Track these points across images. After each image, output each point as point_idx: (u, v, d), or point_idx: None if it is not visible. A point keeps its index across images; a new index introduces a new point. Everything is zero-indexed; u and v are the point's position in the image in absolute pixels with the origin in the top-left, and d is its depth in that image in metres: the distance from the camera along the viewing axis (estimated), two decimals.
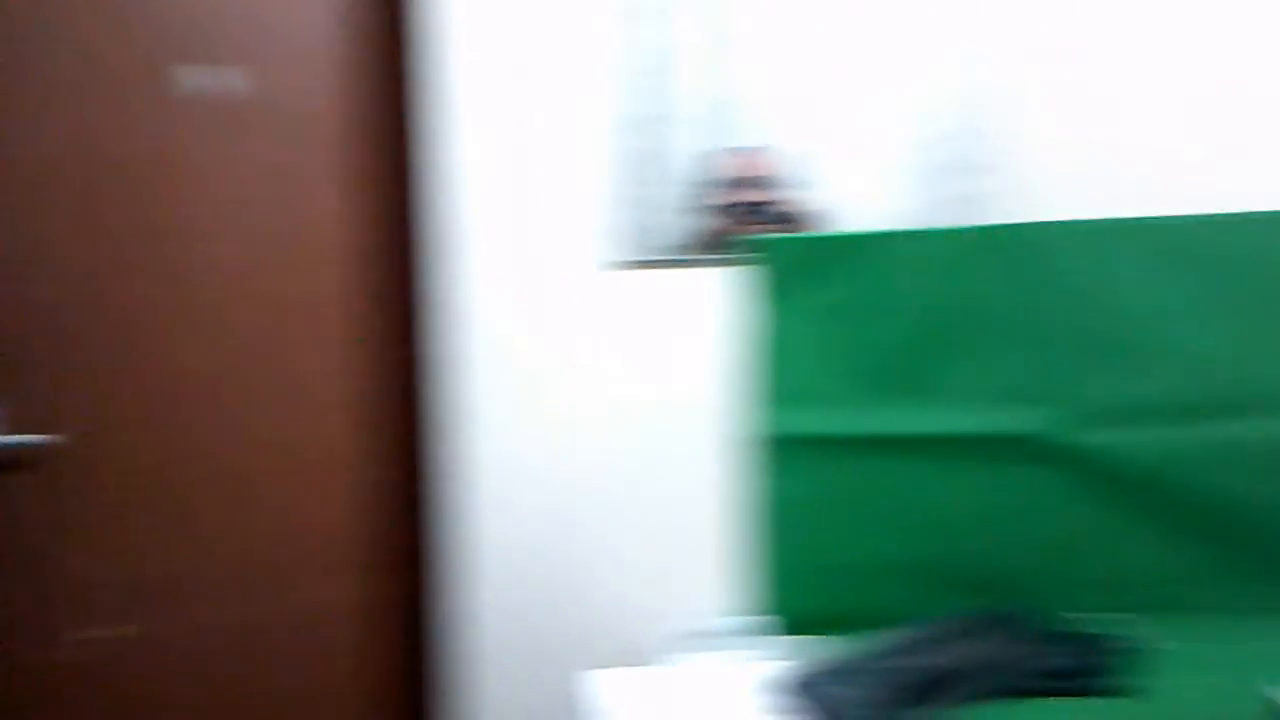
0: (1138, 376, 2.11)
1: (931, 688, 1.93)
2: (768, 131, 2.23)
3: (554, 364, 2.37)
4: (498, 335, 2.36)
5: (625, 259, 2.31)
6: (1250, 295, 2.08)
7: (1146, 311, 2.10)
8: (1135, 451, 2.11)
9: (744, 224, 2.25)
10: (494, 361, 2.36)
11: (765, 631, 2.18)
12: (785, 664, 2.01)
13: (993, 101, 2.18)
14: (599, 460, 2.37)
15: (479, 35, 2.29)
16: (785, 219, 2.25)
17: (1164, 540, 2.12)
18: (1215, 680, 1.88)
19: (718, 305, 2.26)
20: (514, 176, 2.33)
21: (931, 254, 2.14)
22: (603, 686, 1.94)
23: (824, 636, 2.12)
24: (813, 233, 2.27)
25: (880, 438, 2.18)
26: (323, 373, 2.34)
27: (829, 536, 2.20)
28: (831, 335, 2.18)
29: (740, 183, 2.26)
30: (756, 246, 2.18)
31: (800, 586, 2.21)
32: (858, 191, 2.23)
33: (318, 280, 2.34)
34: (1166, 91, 2.19)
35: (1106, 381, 2.12)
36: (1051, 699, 1.88)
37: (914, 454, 2.17)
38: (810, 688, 1.89)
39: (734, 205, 2.26)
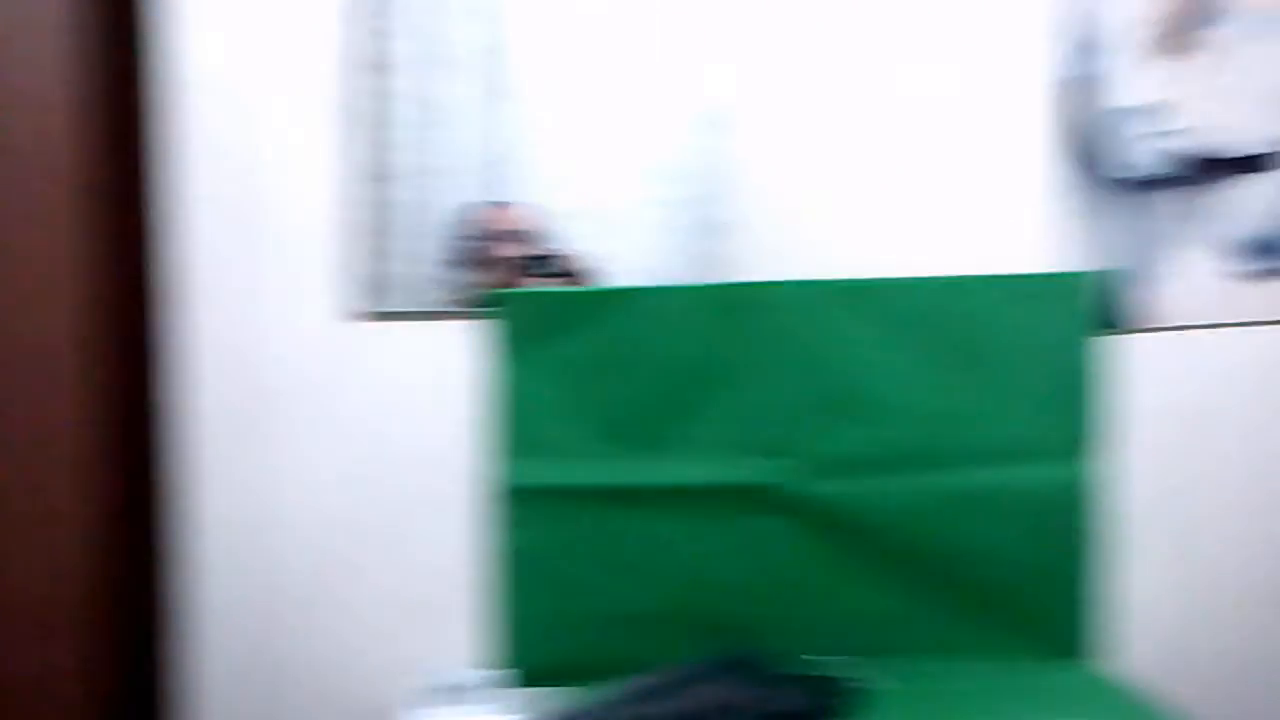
0: (861, 430, 2.23)
1: None
2: (529, 187, 2.26)
3: (290, 417, 2.32)
4: (228, 388, 2.30)
5: (373, 310, 2.28)
6: (959, 353, 2.25)
7: (869, 368, 2.23)
8: (858, 501, 2.24)
9: (517, 277, 2.27)
10: (224, 414, 2.30)
11: (507, 685, 2.19)
12: (524, 717, 2.03)
13: (736, 165, 2.28)
14: (340, 516, 2.33)
15: (218, 77, 2.24)
16: (564, 274, 2.28)
17: (885, 585, 2.25)
18: (932, 717, 2.03)
19: (467, 358, 2.27)
20: (249, 225, 2.28)
21: (669, 311, 2.23)
22: None
23: (565, 688, 2.16)
24: (552, 288, 2.29)
25: (619, 489, 2.24)
26: (40, 424, 2.24)
27: (568, 587, 2.25)
28: (571, 389, 2.24)
29: (499, 236, 2.27)
30: (496, 301, 2.23)
31: (539, 638, 2.25)
32: (619, 249, 2.27)
33: (39, 329, 2.24)
34: (887, 160, 2.34)
35: (833, 435, 2.23)
36: None
37: (652, 505, 2.24)
38: None
39: (507, 259, 2.27)
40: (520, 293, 2.25)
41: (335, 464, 2.32)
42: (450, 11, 2.23)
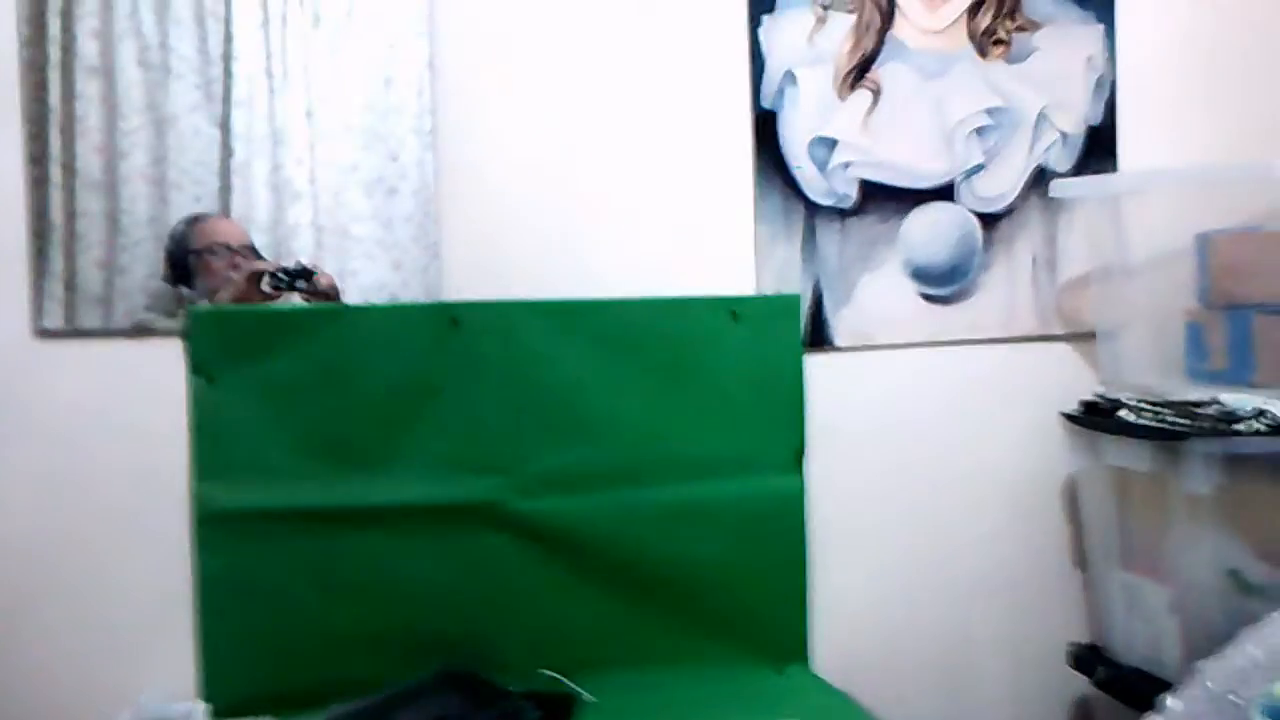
0: (575, 446, 2.29)
1: None
2: (251, 199, 2.26)
3: None
4: None
5: (70, 327, 2.22)
6: (671, 371, 2.33)
7: (582, 386, 2.30)
8: (574, 516, 2.29)
9: (256, 292, 2.24)
10: None
11: (209, 716, 2.15)
12: None
13: (454, 182, 2.35)
14: (36, 536, 2.24)
15: None
16: (311, 290, 2.26)
17: (604, 598, 2.30)
18: None
19: (171, 377, 2.21)
20: None
21: (376, 329, 2.24)
22: None
23: (273, 717, 2.12)
24: (244, 306, 2.26)
25: (328, 510, 2.22)
26: None
27: (274, 613, 2.21)
28: (274, 409, 2.21)
29: (217, 249, 2.25)
30: (194, 319, 2.17)
31: (243, 667, 2.20)
32: (342, 264, 2.31)
33: None
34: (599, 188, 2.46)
35: (547, 451, 2.28)
36: None
37: (364, 525, 2.22)
38: None
39: (245, 273, 2.24)
40: (215, 310, 2.21)
41: (32, 482, 2.24)
42: (177, 17, 2.24)
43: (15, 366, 2.23)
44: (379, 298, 2.30)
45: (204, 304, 2.25)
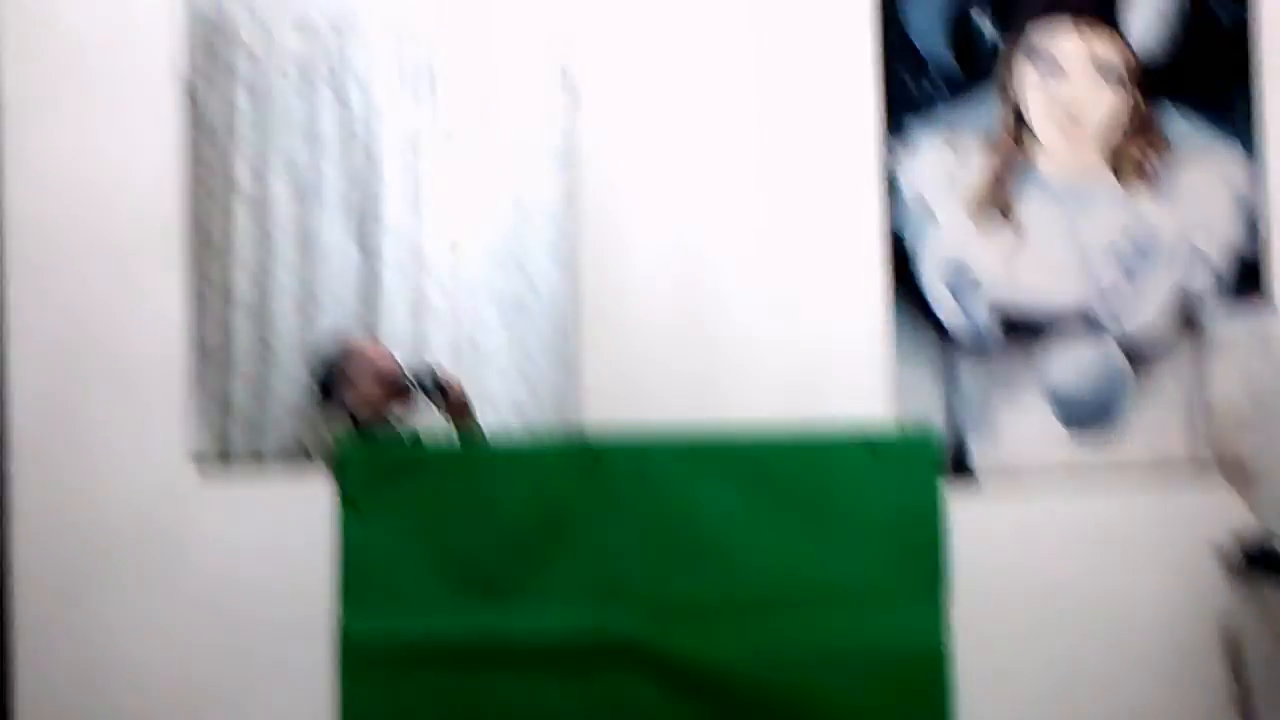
0: (710, 580, 2.24)
1: None
2: (396, 320, 2.35)
3: (128, 568, 2.28)
4: (62, 539, 2.27)
5: (220, 457, 2.29)
6: (808, 506, 2.28)
7: (718, 521, 2.24)
8: (703, 653, 2.22)
9: (391, 397, 2.32)
10: (56, 566, 2.26)
11: None
12: None
13: (587, 306, 2.38)
14: (178, 675, 2.27)
15: (54, 208, 2.29)
16: (439, 390, 2.33)
17: None
18: None
19: (316, 509, 2.20)
20: (86, 367, 2.29)
21: (517, 464, 2.24)
22: None
23: None
24: (391, 437, 2.33)
25: (470, 647, 2.18)
26: None
27: None
28: (416, 540, 2.19)
29: (364, 368, 2.33)
30: (341, 451, 2.19)
31: None
32: (480, 382, 2.37)
33: None
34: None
35: (682, 585, 2.23)
36: None
37: (503, 665, 2.18)
38: None
39: (378, 385, 2.32)
40: (364, 442, 2.26)
41: (175, 619, 2.28)
42: (327, 147, 2.34)
43: (168, 492, 2.30)
44: (511, 414, 2.36)
45: (344, 418, 2.32)
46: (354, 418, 2.34)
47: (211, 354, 2.29)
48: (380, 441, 2.29)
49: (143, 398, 2.30)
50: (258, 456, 2.30)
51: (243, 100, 2.31)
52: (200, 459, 2.29)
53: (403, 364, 2.35)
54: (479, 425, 2.37)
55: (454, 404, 2.33)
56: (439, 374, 2.33)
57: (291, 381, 2.32)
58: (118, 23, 2.31)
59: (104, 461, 2.29)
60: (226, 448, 2.29)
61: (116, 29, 2.31)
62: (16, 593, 2.26)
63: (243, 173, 2.31)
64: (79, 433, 2.29)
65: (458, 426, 2.38)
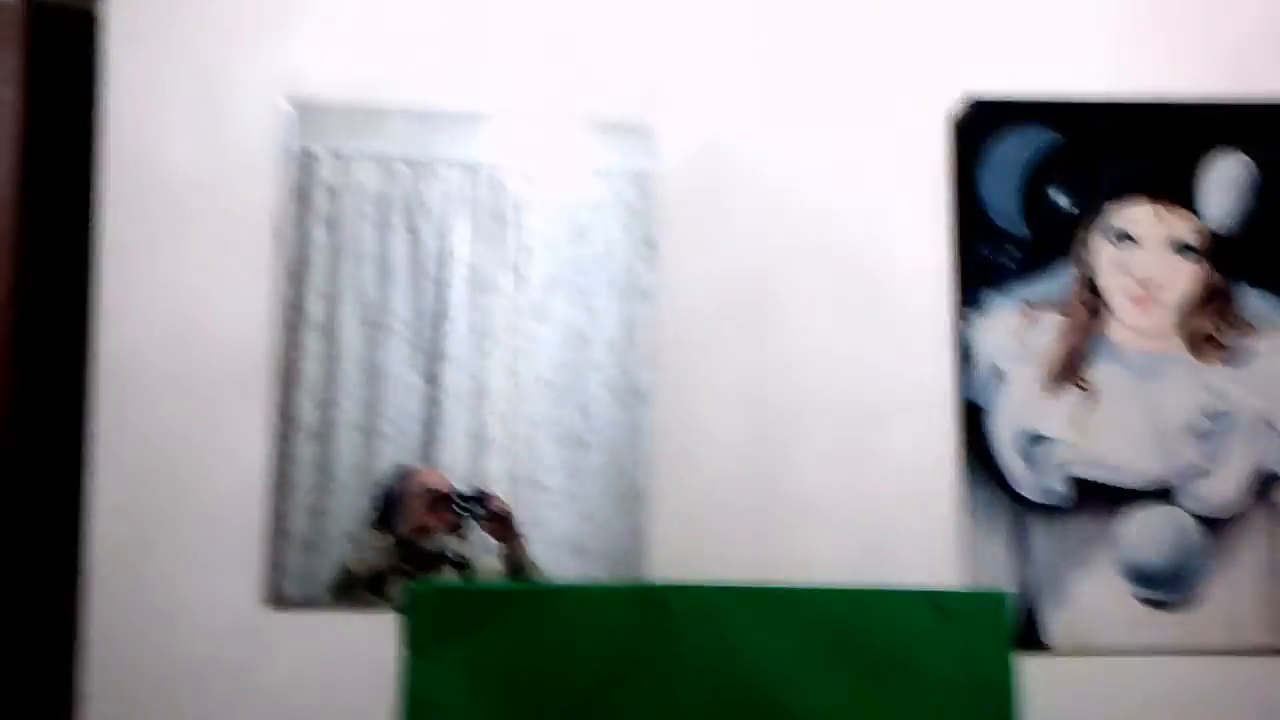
0: None
1: None
2: (457, 450, 2.39)
3: (202, 705, 2.30)
4: (140, 673, 2.30)
5: (291, 598, 2.32)
6: (876, 664, 2.24)
7: (786, 675, 2.21)
8: None
9: (443, 520, 2.37)
10: (133, 701, 2.28)
11: None
12: None
13: (655, 439, 2.41)
14: None
15: (141, 347, 2.35)
16: (491, 517, 2.37)
17: None
18: None
19: (383, 650, 2.18)
20: (167, 504, 2.34)
21: (583, 609, 2.22)
22: None
23: None
24: (460, 582, 2.34)
25: None
26: None
27: None
28: (482, 687, 2.17)
29: (425, 497, 2.37)
30: (409, 595, 2.19)
31: None
32: (538, 515, 2.40)
33: None
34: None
35: None
36: None
37: None
38: None
39: (433, 512, 2.36)
40: (431, 586, 2.27)
41: None
42: (396, 279, 2.41)
43: (238, 627, 2.33)
44: (566, 549, 2.37)
45: (396, 545, 2.36)
46: (406, 544, 2.36)
47: (284, 487, 2.33)
48: (447, 586, 2.30)
49: (219, 533, 2.34)
50: (323, 590, 2.34)
51: (318, 234, 2.39)
52: (271, 593, 2.32)
53: (456, 489, 2.38)
54: (529, 554, 2.38)
55: (504, 530, 2.36)
56: (490, 500, 2.37)
57: (350, 506, 2.35)
58: (215, 167, 2.41)
59: (177, 596, 2.32)
60: (294, 581, 2.33)
61: (214, 173, 2.41)
62: None
63: (315, 305, 2.38)
64: (155, 566, 2.32)
65: (508, 554, 2.39)
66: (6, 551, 2.32)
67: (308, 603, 2.34)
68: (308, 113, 2.42)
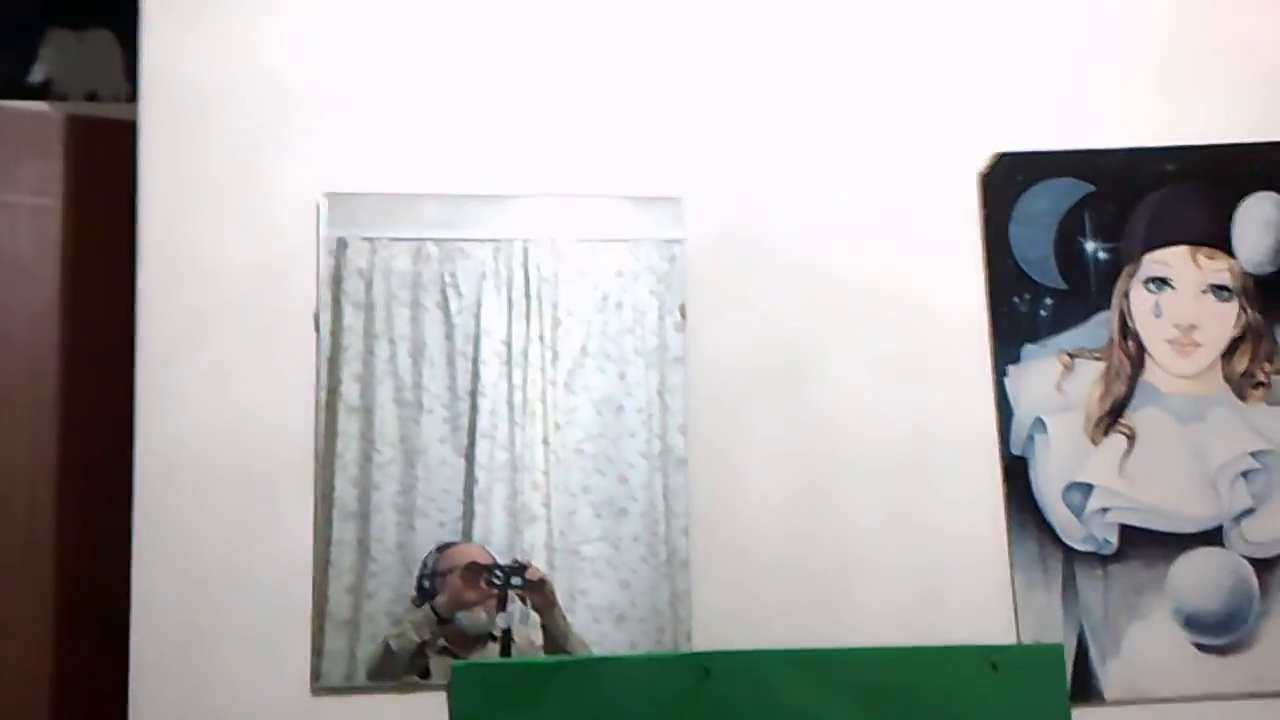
0: None
1: None
2: (494, 524, 2.49)
3: None
4: None
5: (340, 685, 2.41)
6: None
7: None
8: None
9: (480, 591, 2.45)
10: None
11: None
12: None
13: (692, 503, 2.51)
14: None
15: (187, 443, 2.45)
16: (527, 585, 2.46)
17: None
18: None
19: None
20: (214, 594, 2.42)
21: (628, 681, 2.26)
22: None
23: None
24: (505, 659, 2.42)
25: None
26: None
27: None
28: None
29: (464, 572, 2.45)
30: (455, 674, 2.23)
31: None
32: (577, 584, 2.49)
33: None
34: None
35: None
36: None
37: None
38: None
39: (472, 584, 2.45)
40: (477, 665, 2.33)
41: None
42: (431, 359, 2.52)
43: (286, 712, 2.41)
44: (607, 616, 2.45)
45: (435, 620, 2.44)
46: (446, 620, 2.44)
47: (327, 572, 2.42)
48: (493, 664, 2.37)
49: (265, 620, 2.42)
50: (367, 670, 2.42)
51: (351, 318, 2.50)
52: (315, 681, 2.41)
53: (496, 561, 2.46)
54: (569, 624, 2.46)
55: (543, 600, 2.44)
56: (529, 569, 2.45)
57: (390, 586, 2.44)
58: (251, 260, 2.52)
59: (224, 685, 2.40)
60: (336, 663, 2.42)
61: (250, 266, 2.51)
62: None
63: (351, 388, 2.48)
64: (200, 656, 2.40)
65: (546, 624, 2.46)
66: (58, 644, 2.46)
67: (351, 687, 2.41)
68: (340, 203, 2.54)
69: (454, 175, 2.59)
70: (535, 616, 2.47)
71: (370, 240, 2.53)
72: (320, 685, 2.40)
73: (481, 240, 2.56)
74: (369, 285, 2.52)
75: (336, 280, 2.51)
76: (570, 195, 2.60)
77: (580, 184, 2.61)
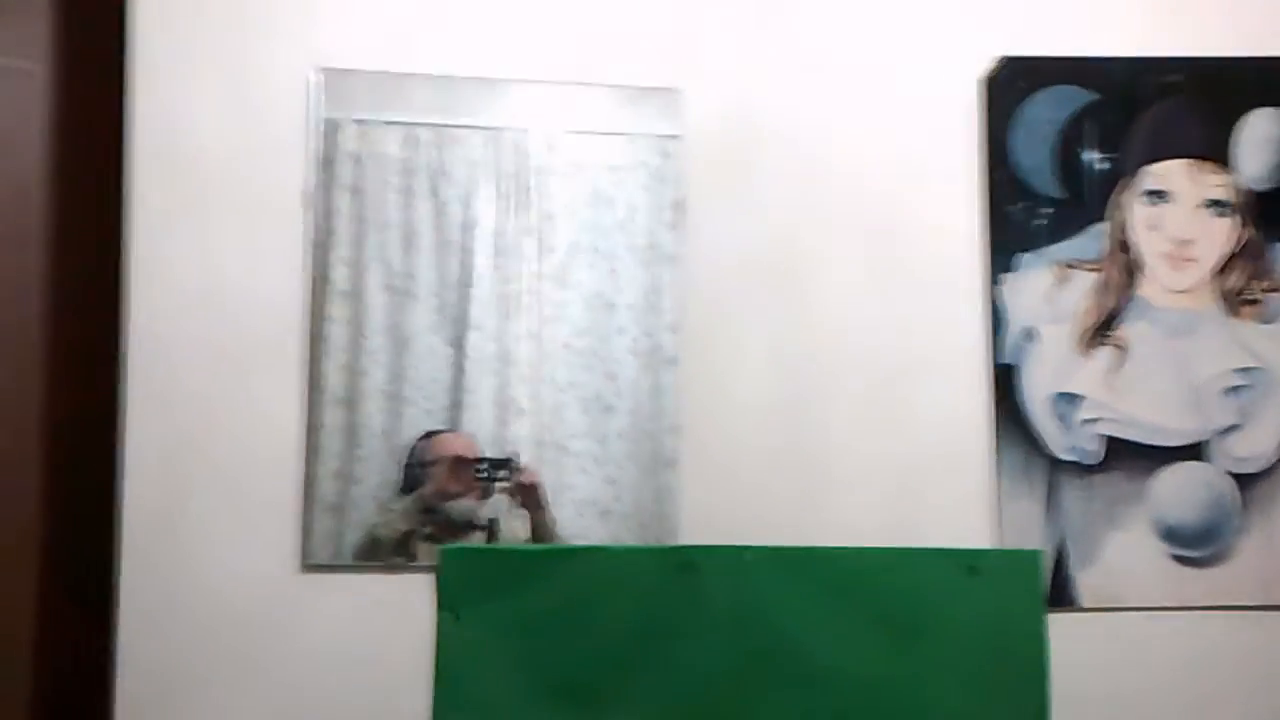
0: (806, 696, 2.36)
1: None
2: (482, 415, 2.57)
3: (229, 669, 2.46)
4: (166, 636, 2.45)
5: (323, 562, 2.50)
6: (905, 624, 2.39)
7: (814, 635, 2.37)
8: None
9: (467, 484, 2.54)
10: (159, 664, 2.44)
11: None
12: None
13: (681, 403, 2.60)
14: None
15: (174, 309, 2.51)
16: (516, 485, 2.55)
17: None
18: None
19: (415, 613, 2.40)
20: (190, 475, 2.50)
21: (612, 571, 2.40)
22: None
23: None
24: (492, 545, 2.52)
25: None
26: None
27: None
28: (513, 649, 2.35)
29: (451, 462, 2.54)
30: (443, 557, 2.38)
31: None
32: (564, 479, 2.58)
33: None
34: None
35: (768, 703, 2.36)
36: None
37: None
38: None
39: (458, 476, 2.54)
40: (465, 549, 2.45)
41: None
42: (421, 247, 2.58)
43: (271, 591, 2.50)
44: (592, 511, 2.54)
45: (422, 509, 2.54)
46: (431, 508, 2.53)
47: (314, 453, 2.50)
48: (480, 549, 2.48)
49: (252, 498, 2.50)
50: (354, 554, 2.51)
51: (343, 203, 2.55)
52: (304, 556, 2.49)
53: (482, 454, 2.54)
54: (554, 518, 2.55)
55: (529, 495, 2.53)
56: (515, 465, 2.53)
57: (377, 472, 2.52)
58: (244, 139, 2.55)
59: (211, 560, 2.48)
60: (322, 545, 2.50)
61: (243, 145, 2.55)
62: (120, 688, 2.43)
63: (340, 272, 2.54)
64: (187, 534, 2.48)
65: (532, 518, 2.55)
66: (44, 521, 2.53)
67: (340, 565, 2.49)
68: (333, 82, 2.56)
69: (448, 55, 2.61)
70: (522, 511, 2.55)
71: (361, 123, 2.57)
72: (309, 562, 2.48)
73: (473, 127, 2.59)
74: (360, 168, 2.56)
75: (328, 163, 2.55)
76: (565, 83, 2.63)
77: (576, 71, 2.64)
